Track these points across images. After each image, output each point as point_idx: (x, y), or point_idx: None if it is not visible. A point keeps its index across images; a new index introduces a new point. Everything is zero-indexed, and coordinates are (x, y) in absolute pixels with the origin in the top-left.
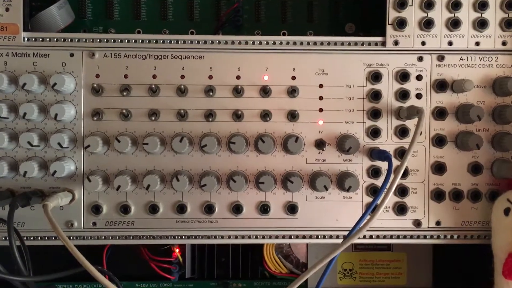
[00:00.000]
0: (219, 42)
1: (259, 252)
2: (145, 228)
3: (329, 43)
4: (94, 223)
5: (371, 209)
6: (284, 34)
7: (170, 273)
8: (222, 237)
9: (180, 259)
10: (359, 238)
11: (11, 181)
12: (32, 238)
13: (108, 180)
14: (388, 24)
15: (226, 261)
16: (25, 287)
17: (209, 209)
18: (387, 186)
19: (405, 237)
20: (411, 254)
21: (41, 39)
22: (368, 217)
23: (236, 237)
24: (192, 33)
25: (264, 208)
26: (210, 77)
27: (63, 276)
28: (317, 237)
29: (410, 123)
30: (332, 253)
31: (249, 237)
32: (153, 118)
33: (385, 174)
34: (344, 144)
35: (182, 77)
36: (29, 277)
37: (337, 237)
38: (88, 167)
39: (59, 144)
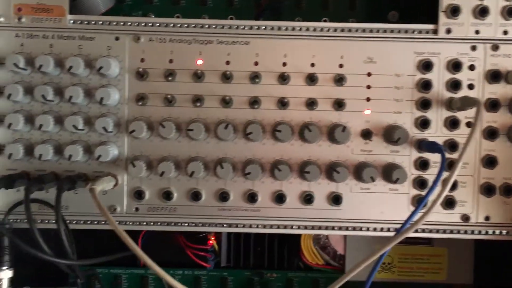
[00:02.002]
0: (265, 28)
1: (296, 243)
2: (187, 215)
3: (378, 30)
4: (137, 209)
5: (423, 203)
6: (325, 22)
7: (206, 261)
8: (264, 226)
9: (216, 247)
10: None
11: (55, 165)
12: (75, 222)
13: (151, 165)
14: (441, 11)
15: (261, 251)
16: (70, 270)
17: (252, 197)
18: (440, 179)
19: (451, 231)
20: (452, 249)
21: (86, 22)
22: (423, 211)
23: (278, 227)
24: (231, 19)
25: (307, 198)
26: (256, 63)
27: (105, 261)
28: (361, 229)
29: (461, 115)
30: (384, 247)
31: (292, 227)
32: (198, 104)
33: (434, 166)
34: (392, 134)
35: (227, 63)
36: (74, 261)
37: (382, 229)
38: (131, 152)
39: (104, 128)
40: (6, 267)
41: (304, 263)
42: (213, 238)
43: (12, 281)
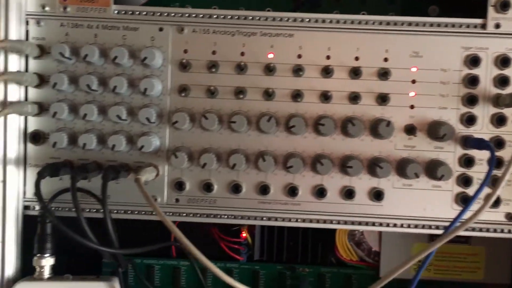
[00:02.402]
0: (309, 20)
1: (331, 238)
2: (227, 207)
3: (424, 24)
4: (177, 200)
5: (474, 201)
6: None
7: (239, 254)
8: (304, 221)
9: (249, 240)
10: (442, 229)
11: (98, 154)
12: (115, 211)
13: (192, 157)
14: (490, 5)
15: (295, 245)
16: (113, 259)
17: (292, 191)
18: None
19: (495, 230)
20: (490, 248)
21: (130, 12)
22: (474, 210)
23: (318, 221)
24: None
25: (348, 193)
26: (299, 56)
27: (148, 251)
28: (401, 225)
29: (508, 111)
30: (432, 246)
31: (331, 222)
32: (241, 96)
33: (479, 164)
34: (438, 130)
35: (270, 55)
36: (118, 249)
37: (423, 227)
38: (172, 143)
39: (147, 119)
40: (48, 255)
41: (338, 259)
42: (246, 231)
43: (53, 268)
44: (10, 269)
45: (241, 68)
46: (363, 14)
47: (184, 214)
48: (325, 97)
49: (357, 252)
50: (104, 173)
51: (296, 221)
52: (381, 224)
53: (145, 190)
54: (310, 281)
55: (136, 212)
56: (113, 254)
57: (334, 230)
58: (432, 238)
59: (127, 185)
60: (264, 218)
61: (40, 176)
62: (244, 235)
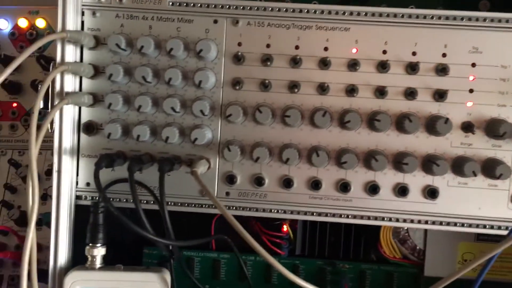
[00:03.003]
0: (366, 14)
1: (374, 235)
2: (278, 201)
3: (485, 19)
4: (227, 193)
5: None
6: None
7: (280, 248)
8: (355, 217)
9: (291, 235)
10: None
11: (150, 146)
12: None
13: (243, 151)
14: None
15: (337, 241)
16: (167, 250)
17: (344, 187)
18: None
19: None
20: None
21: (185, 4)
22: None
23: (369, 218)
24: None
25: (402, 190)
26: (355, 50)
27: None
28: (455, 224)
29: None
30: (496, 248)
31: (383, 219)
32: (296, 90)
33: None
34: (497, 128)
35: (326, 49)
36: (174, 241)
37: (477, 226)
38: (224, 136)
39: (201, 111)
40: (100, 244)
41: (380, 256)
42: (288, 226)
43: (104, 258)
44: (63, 258)
45: (295, 62)
46: (411, 7)
47: (234, 208)
48: (381, 92)
49: (401, 249)
50: (161, 165)
51: (347, 217)
52: (434, 223)
53: (203, 182)
54: (350, 278)
55: (186, 205)
56: (168, 246)
57: (378, 227)
58: (479, 237)
59: (176, 178)
60: (315, 214)
61: (98, 166)
62: (285, 229)
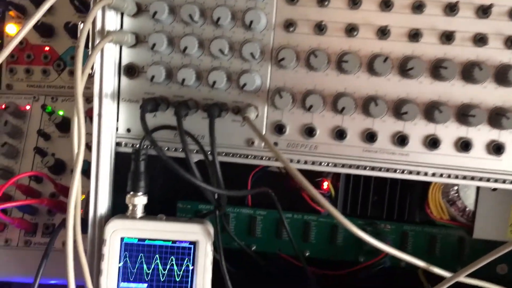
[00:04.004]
0: None
1: (421, 194)
2: (329, 154)
3: None
4: (276, 143)
5: None
6: None
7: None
8: (411, 173)
9: (332, 192)
10: None
11: (194, 91)
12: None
13: (294, 98)
14: None
15: (380, 201)
16: (215, 200)
17: (402, 140)
18: None
19: None
20: None
21: None
22: None
23: (426, 174)
24: None
25: (465, 145)
26: None
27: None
28: None
29: None
30: None
31: (441, 175)
32: (354, 34)
33: None
34: None
35: None
36: (224, 190)
37: None
38: (274, 83)
39: (251, 54)
40: (141, 193)
41: (426, 218)
42: (329, 182)
43: (145, 207)
44: (103, 207)
45: (354, 2)
46: None
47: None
48: (448, 37)
49: (449, 210)
50: (211, 110)
51: (403, 172)
52: (496, 180)
53: (256, 127)
54: (392, 239)
55: (230, 155)
56: (216, 196)
57: (426, 186)
58: None
59: (221, 126)
60: (368, 168)
61: (143, 109)
62: (326, 186)
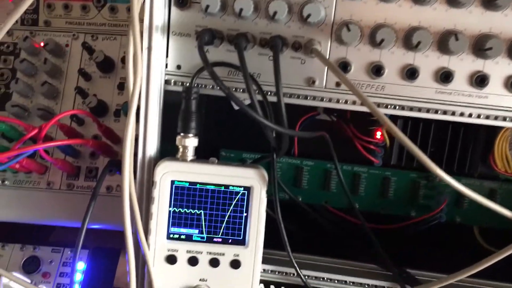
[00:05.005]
0: None
1: (485, 146)
2: (397, 96)
3: None
4: (338, 84)
5: None
6: None
7: (374, 156)
8: (488, 117)
9: (387, 142)
10: None
11: (250, 25)
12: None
13: (362, 33)
14: None
15: (440, 152)
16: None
17: (481, 81)
18: None
19: None
20: None
21: None
22: None
23: (504, 119)
24: None
25: None
26: None
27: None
28: None
29: None
30: None
31: None
32: None
33: None
34: None
35: None
36: (287, 129)
37: None
38: (339, 15)
39: None
40: (192, 134)
41: (487, 172)
42: (384, 132)
43: (196, 150)
44: (152, 148)
45: None
46: None
47: (344, 101)
48: None
49: None
50: (274, 42)
51: (478, 117)
52: None
53: (327, 58)
54: (448, 193)
55: (288, 96)
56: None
57: (491, 137)
58: None
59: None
60: (439, 112)
61: (201, 39)
62: (380, 135)
